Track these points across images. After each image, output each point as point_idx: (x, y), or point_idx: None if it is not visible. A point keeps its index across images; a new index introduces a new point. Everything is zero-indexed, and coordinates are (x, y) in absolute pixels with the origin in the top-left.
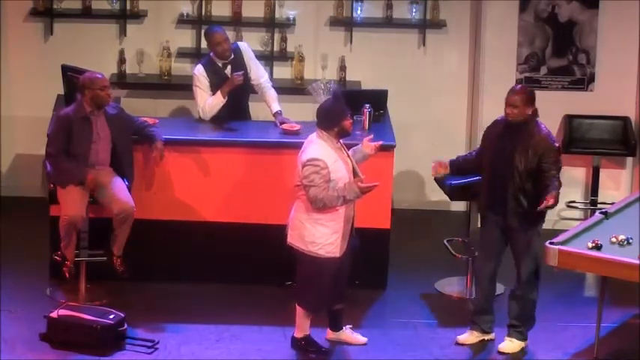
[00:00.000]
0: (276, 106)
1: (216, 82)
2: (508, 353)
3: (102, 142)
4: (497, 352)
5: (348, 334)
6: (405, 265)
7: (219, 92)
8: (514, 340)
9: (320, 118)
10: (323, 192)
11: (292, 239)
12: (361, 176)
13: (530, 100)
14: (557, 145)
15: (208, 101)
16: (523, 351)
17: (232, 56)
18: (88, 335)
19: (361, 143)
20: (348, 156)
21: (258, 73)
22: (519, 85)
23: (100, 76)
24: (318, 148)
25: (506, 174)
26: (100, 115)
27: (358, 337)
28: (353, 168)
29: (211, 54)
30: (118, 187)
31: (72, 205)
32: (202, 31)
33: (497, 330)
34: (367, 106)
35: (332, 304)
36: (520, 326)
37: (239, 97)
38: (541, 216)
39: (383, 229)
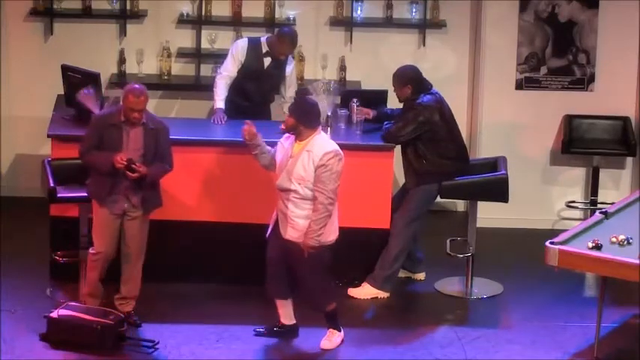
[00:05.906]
0: None
1: (250, 66)
2: (355, 297)
3: (132, 154)
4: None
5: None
6: None
7: (219, 104)
8: (366, 285)
9: None
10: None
11: None
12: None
13: (403, 80)
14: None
15: (220, 87)
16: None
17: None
18: (88, 335)
19: None
20: (294, 157)
21: (290, 90)
22: (399, 67)
23: (133, 95)
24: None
25: None
26: (138, 126)
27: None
28: (288, 166)
29: (265, 39)
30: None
31: (102, 239)
32: (202, 32)
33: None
34: (354, 100)
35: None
36: (377, 269)
37: (265, 93)
38: (418, 185)
39: (383, 229)
